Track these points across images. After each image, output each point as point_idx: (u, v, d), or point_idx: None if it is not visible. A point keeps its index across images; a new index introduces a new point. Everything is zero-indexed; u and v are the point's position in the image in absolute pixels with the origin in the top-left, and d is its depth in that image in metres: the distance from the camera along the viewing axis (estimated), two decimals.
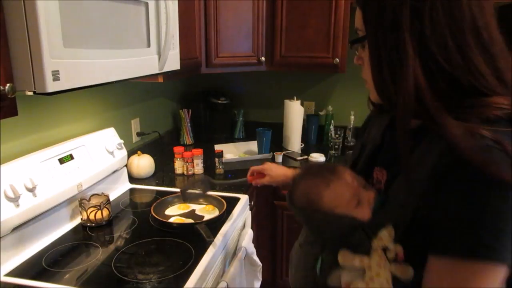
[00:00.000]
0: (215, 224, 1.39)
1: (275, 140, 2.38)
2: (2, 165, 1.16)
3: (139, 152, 1.89)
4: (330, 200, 0.70)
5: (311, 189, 0.73)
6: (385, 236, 0.63)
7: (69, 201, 1.39)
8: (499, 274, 0.55)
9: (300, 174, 0.81)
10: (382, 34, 0.60)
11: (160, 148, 2.17)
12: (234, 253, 1.43)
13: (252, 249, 1.48)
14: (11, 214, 1.12)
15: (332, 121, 2.40)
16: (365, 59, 0.67)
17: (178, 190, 1.71)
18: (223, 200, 1.54)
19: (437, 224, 0.58)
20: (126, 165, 1.79)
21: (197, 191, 1.51)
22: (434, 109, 0.58)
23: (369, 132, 0.84)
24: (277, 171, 1.31)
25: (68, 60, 0.93)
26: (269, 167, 1.32)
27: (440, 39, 0.58)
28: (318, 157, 2.16)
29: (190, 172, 1.93)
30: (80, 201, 1.39)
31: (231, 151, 2.30)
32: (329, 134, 2.29)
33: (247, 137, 2.55)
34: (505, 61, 0.61)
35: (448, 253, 0.57)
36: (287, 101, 2.34)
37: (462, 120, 0.58)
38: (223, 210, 1.47)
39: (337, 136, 2.22)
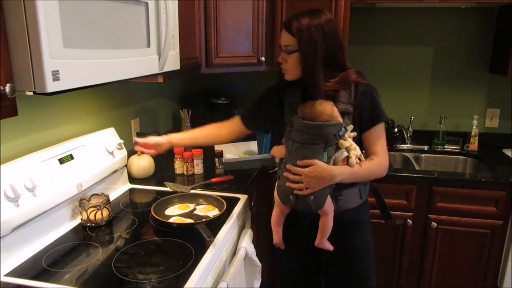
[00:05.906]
0: (215, 224, 1.39)
1: (275, 140, 2.37)
2: (2, 165, 1.16)
3: (139, 152, 1.89)
4: (336, 114, 1.26)
5: (326, 109, 1.25)
6: (348, 129, 1.28)
7: (69, 201, 1.39)
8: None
9: (309, 104, 1.29)
10: (309, 49, 1.28)
11: None
12: (234, 253, 1.43)
13: (252, 249, 1.48)
14: (11, 214, 1.12)
15: None
16: (290, 59, 1.32)
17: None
18: (223, 200, 1.54)
19: (372, 111, 1.34)
20: (126, 165, 1.79)
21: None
22: (322, 79, 1.31)
23: (291, 93, 1.41)
24: (157, 147, 1.57)
25: (68, 60, 0.93)
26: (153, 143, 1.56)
27: (330, 51, 1.30)
28: None
29: (190, 172, 1.93)
30: (80, 201, 1.40)
31: (231, 151, 2.30)
32: None
33: (247, 137, 2.52)
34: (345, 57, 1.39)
35: (383, 120, 1.35)
36: None
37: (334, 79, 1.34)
38: (223, 210, 1.47)
39: None
